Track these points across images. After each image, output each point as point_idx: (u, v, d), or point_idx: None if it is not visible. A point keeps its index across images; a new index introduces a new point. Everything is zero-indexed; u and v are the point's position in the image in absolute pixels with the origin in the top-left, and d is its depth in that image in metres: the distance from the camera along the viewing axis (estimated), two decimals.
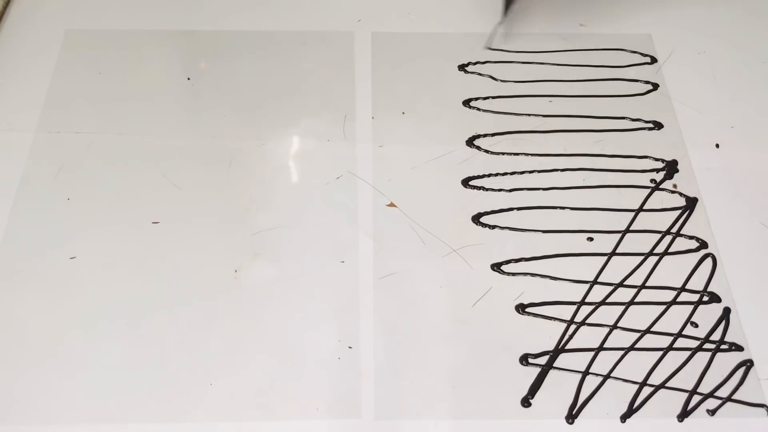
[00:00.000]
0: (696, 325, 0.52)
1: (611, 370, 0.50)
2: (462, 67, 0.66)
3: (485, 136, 0.62)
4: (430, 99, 0.64)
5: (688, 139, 0.62)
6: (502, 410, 0.49)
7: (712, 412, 0.49)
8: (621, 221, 0.57)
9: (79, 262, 0.54)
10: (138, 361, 0.50)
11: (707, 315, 0.53)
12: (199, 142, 0.61)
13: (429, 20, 0.70)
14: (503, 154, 0.61)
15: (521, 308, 0.53)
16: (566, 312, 0.53)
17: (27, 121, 0.62)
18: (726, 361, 0.51)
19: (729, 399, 0.49)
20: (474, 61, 0.67)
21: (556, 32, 0.69)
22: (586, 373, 0.50)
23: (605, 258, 0.55)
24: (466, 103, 0.64)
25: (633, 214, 0.58)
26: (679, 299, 0.54)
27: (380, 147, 0.61)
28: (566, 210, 0.58)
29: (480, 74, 0.66)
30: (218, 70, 0.66)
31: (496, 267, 0.55)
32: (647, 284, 0.54)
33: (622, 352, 0.51)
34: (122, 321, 0.52)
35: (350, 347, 0.51)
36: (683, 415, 0.49)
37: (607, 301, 0.53)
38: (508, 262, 0.55)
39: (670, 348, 0.51)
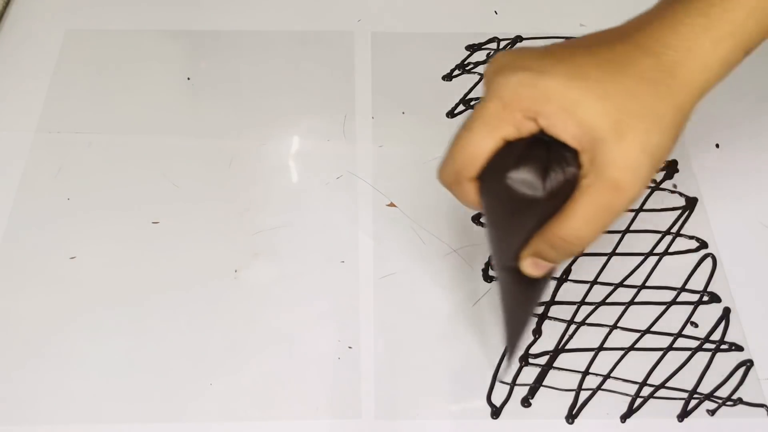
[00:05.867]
0: (696, 325, 0.52)
1: (611, 370, 0.50)
2: (462, 67, 0.66)
3: None
4: (430, 99, 0.64)
5: (688, 139, 0.62)
6: (502, 410, 0.49)
7: (712, 413, 0.49)
8: (621, 221, 0.57)
9: (79, 262, 0.54)
10: (138, 361, 0.50)
11: (707, 315, 0.53)
12: (199, 142, 0.61)
13: (429, 20, 0.70)
14: None
15: None
16: (566, 312, 0.53)
17: (27, 121, 0.62)
18: (726, 361, 0.51)
19: (729, 399, 0.49)
20: (474, 61, 0.67)
21: (556, 32, 0.69)
22: (586, 373, 0.50)
23: (605, 258, 0.55)
24: (467, 102, 0.64)
25: (633, 214, 0.58)
26: (679, 299, 0.54)
27: (380, 147, 0.61)
28: None
29: (480, 74, 0.66)
30: (218, 70, 0.66)
31: None
32: (647, 284, 0.54)
33: (622, 352, 0.51)
34: (122, 321, 0.52)
35: (350, 347, 0.51)
36: (683, 415, 0.49)
37: (607, 301, 0.53)
38: None
39: (670, 348, 0.51)
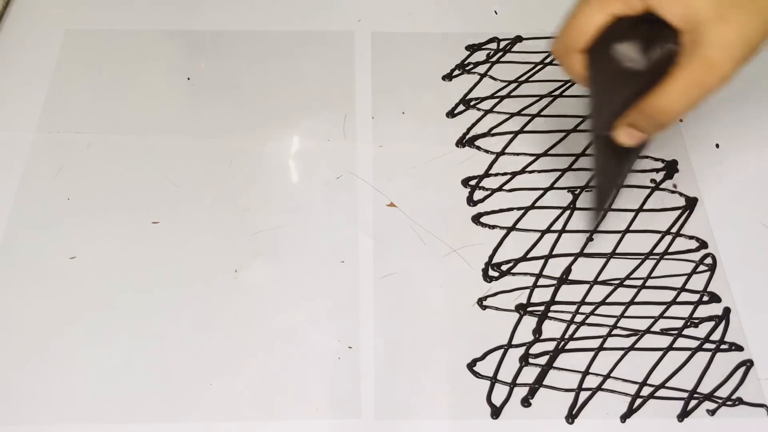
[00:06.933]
0: (696, 325, 0.52)
1: (611, 370, 0.50)
2: (462, 67, 0.66)
3: (485, 136, 0.62)
4: (430, 99, 0.64)
5: (688, 139, 0.62)
6: (501, 410, 0.49)
7: (712, 412, 0.49)
8: (621, 221, 0.57)
9: (79, 262, 0.54)
10: (138, 361, 0.50)
11: (707, 315, 0.53)
12: (199, 142, 0.61)
13: (429, 20, 0.70)
14: (503, 154, 0.61)
15: (521, 308, 0.53)
16: (566, 312, 0.53)
17: (27, 121, 0.62)
18: (726, 361, 0.51)
19: (729, 399, 0.49)
20: (474, 62, 0.67)
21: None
22: (586, 373, 0.50)
23: (605, 258, 0.55)
24: (467, 102, 0.64)
25: (633, 214, 0.58)
26: (679, 299, 0.54)
27: (380, 147, 0.61)
28: (566, 210, 0.58)
29: (480, 74, 0.66)
30: (218, 70, 0.66)
31: (496, 267, 0.55)
32: (647, 284, 0.54)
33: (622, 352, 0.51)
34: (122, 321, 0.52)
35: (350, 347, 0.51)
36: (683, 415, 0.49)
37: (607, 301, 0.54)
38: (508, 262, 0.55)
39: (670, 348, 0.51)
